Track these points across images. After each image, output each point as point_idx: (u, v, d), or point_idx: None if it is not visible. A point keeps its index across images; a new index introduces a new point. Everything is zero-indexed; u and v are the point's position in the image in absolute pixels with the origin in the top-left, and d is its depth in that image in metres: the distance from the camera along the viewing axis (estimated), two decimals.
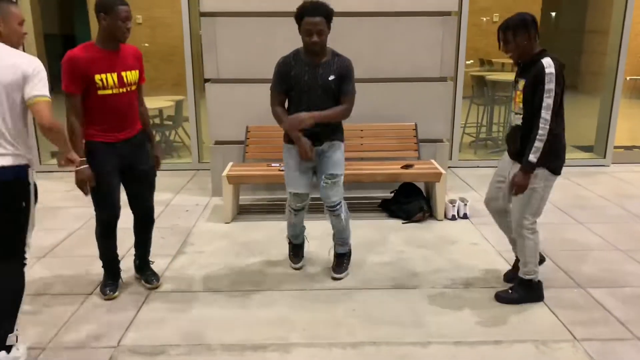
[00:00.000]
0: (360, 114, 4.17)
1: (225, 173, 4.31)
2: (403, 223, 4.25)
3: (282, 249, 3.74)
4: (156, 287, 3.21)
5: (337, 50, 3.09)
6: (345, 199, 3.34)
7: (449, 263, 3.53)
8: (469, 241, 3.90)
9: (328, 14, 2.89)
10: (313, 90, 2.97)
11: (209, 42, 4.66)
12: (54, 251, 3.77)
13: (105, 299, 3.05)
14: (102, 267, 3.15)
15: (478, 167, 5.98)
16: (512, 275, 3.17)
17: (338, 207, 3.18)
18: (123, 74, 2.81)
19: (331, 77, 2.96)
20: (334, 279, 3.29)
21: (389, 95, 4.80)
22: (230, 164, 4.62)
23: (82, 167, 2.70)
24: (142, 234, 3.22)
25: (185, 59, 5.62)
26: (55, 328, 2.78)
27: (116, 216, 2.97)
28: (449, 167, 5.67)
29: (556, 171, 2.79)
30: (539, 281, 3.02)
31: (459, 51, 5.57)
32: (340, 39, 4.23)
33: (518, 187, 2.75)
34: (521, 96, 2.73)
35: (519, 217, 2.87)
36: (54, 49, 6.99)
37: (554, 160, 2.76)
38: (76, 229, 4.18)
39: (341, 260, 3.38)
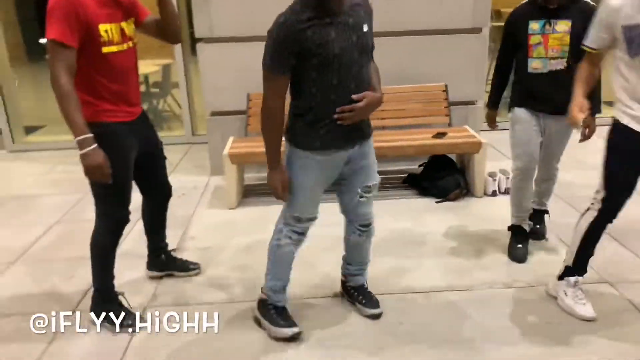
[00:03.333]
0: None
1: (226, 151, 3.66)
2: (437, 202, 3.67)
3: None
4: (199, 272, 2.83)
5: None
6: None
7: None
8: None
9: None
10: (348, 53, 1.92)
11: None
12: (29, 253, 3.16)
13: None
14: (102, 295, 2.38)
15: (503, 129, 5.33)
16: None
17: (372, 223, 2.36)
18: (123, 25, 2.12)
19: (365, 28, 1.97)
20: (374, 316, 2.41)
21: (412, 51, 4.11)
22: (231, 139, 3.95)
23: (90, 148, 1.95)
24: (163, 215, 2.70)
25: None
26: None
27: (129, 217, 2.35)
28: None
29: None
30: None
31: None
32: None
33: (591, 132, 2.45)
34: (565, 38, 2.56)
35: (555, 162, 2.90)
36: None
37: None
38: (53, 223, 3.55)
39: (367, 291, 2.49)
